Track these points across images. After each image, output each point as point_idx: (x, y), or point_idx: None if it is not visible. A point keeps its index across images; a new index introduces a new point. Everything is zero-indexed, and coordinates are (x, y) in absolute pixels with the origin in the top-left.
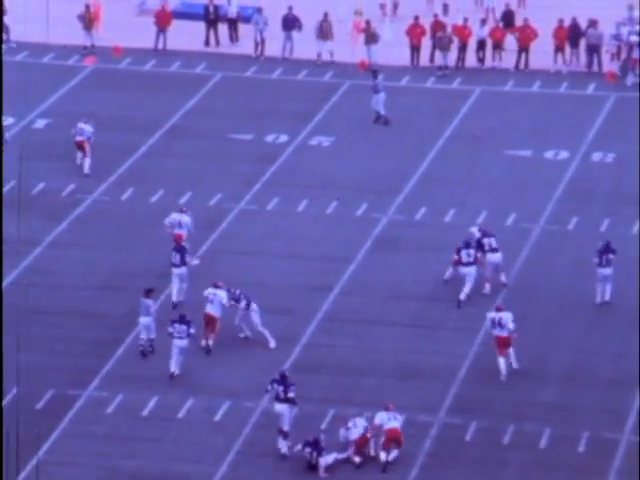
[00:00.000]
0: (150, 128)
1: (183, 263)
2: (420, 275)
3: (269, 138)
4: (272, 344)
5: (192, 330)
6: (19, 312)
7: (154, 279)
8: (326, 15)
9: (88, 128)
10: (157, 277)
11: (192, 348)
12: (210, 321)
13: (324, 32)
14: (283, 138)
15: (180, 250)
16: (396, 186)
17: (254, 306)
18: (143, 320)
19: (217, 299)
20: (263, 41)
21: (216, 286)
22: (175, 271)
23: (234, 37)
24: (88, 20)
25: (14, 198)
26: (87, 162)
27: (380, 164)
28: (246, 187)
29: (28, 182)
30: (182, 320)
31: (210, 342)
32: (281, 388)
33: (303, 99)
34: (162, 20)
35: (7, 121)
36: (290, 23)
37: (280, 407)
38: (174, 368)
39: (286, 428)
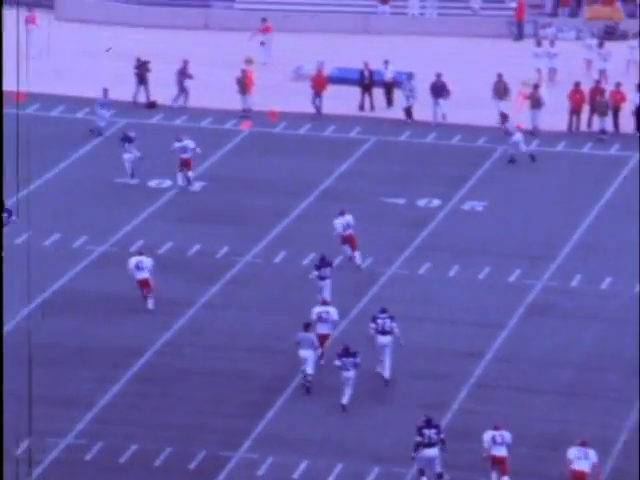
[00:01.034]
0: (303, 191)
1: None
2: (575, 343)
3: (421, 202)
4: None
5: (358, 360)
6: (171, 371)
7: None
8: (500, 75)
9: (190, 144)
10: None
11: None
12: (323, 339)
13: (499, 92)
14: (435, 202)
15: (328, 264)
16: (550, 252)
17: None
18: (304, 353)
19: (330, 318)
20: (409, 107)
21: (325, 303)
22: (322, 284)
23: (389, 102)
24: (244, 84)
25: (170, 259)
26: (191, 174)
27: (534, 230)
28: (398, 251)
29: (184, 244)
30: (347, 352)
31: (322, 361)
32: (433, 431)
33: (456, 164)
34: (318, 84)
35: (165, 183)
36: (438, 89)
37: (432, 452)
38: (346, 401)
39: (439, 469)
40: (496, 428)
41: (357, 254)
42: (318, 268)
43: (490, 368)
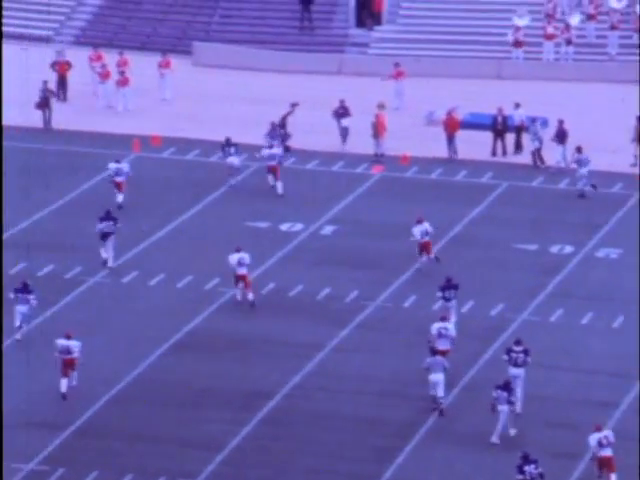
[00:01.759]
0: (435, 235)
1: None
2: None
3: (554, 249)
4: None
5: (512, 399)
6: (300, 415)
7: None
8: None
9: (276, 150)
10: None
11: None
12: (442, 355)
13: (638, 136)
14: (568, 249)
15: (454, 287)
16: None
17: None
18: (434, 377)
19: (449, 334)
20: (536, 149)
21: (444, 319)
22: (447, 305)
23: (517, 146)
24: (377, 129)
25: (300, 302)
26: (280, 185)
27: None
28: (529, 298)
29: (315, 287)
30: (506, 386)
31: None
32: (532, 467)
33: (590, 210)
34: (450, 128)
35: (296, 227)
36: (560, 136)
37: None
38: (496, 439)
39: None
40: (598, 430)
41: (432, 256)
42: (443, 290)
43: (625, 419)
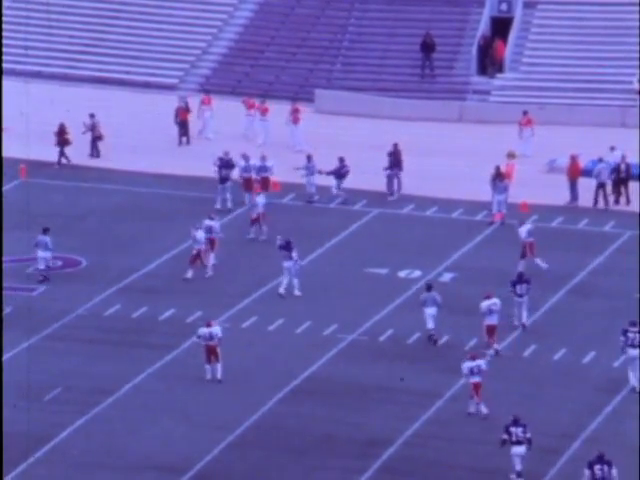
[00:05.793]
0: (555, 285)
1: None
2: None
3: None
4: None
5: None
6: (418, 463)
7: (557, 438)
8: None
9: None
10: (560, 436)
11: None
12: (492, 330)
13: None
14: None
15: (526, 281)
16: None
17: None
18: (428, 311)
19: (498, 309)
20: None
21: (489, 297)
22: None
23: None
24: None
25: (418, 350)
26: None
27: None
28: None
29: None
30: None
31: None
32: (520, 430)
33: None
34: (572, 172)
35: (414, 274)
36: None
37: (519, 449)
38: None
39: (519, 468)
40: (473, 358)
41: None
42: (514, 285)
43: None
